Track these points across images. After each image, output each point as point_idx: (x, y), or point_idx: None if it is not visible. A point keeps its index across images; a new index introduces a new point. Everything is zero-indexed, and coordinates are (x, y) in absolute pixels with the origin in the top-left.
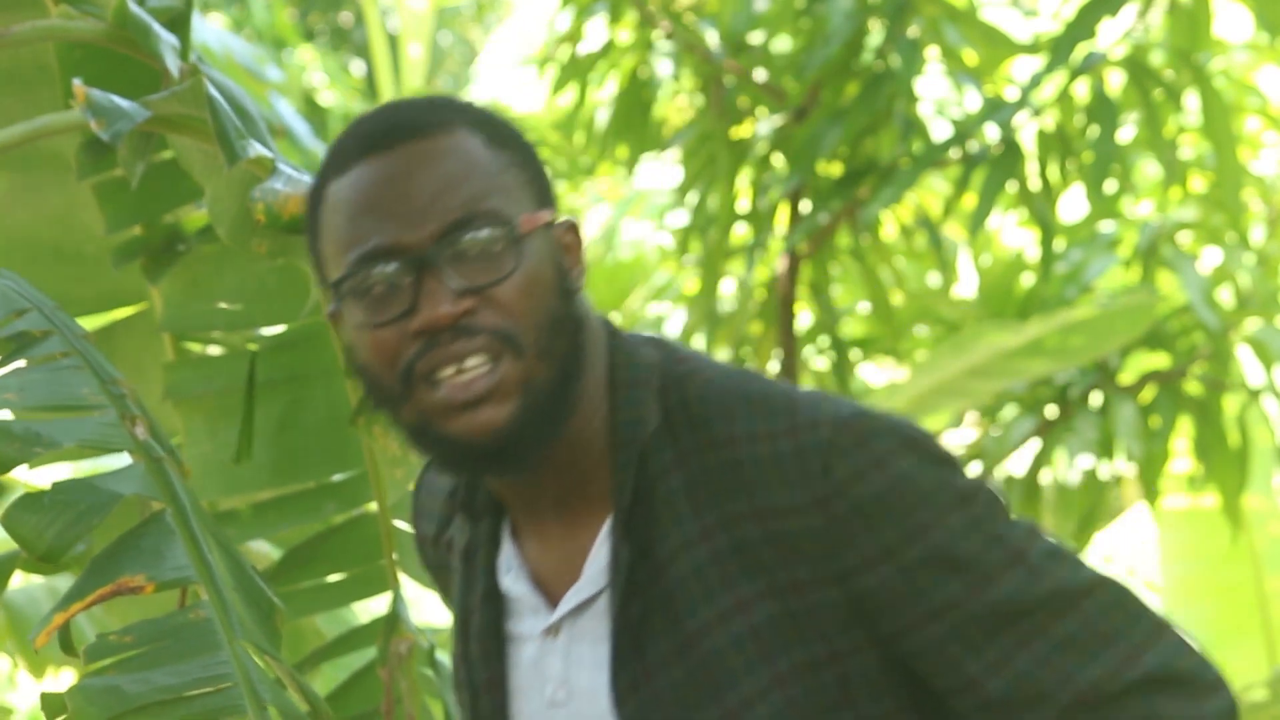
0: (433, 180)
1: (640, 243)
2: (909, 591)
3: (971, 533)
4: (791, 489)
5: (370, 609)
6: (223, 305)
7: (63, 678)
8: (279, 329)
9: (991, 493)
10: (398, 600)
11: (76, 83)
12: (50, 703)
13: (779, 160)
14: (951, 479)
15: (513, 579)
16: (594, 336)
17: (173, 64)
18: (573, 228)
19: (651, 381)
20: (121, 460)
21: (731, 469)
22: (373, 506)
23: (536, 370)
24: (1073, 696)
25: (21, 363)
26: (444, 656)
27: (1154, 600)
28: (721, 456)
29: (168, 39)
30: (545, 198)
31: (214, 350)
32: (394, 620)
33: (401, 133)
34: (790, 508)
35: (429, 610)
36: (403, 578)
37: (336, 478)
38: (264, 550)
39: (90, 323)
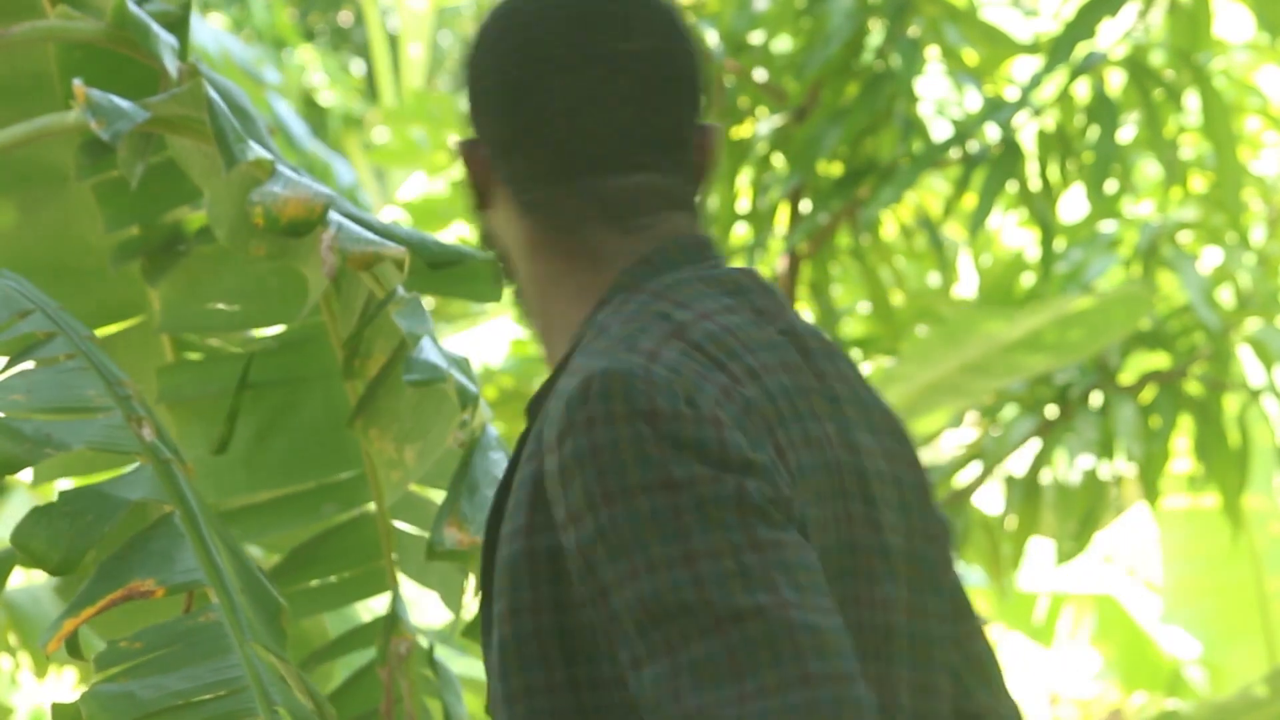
0: None
1: None
2: (584, 562)
3: (655, 520)
4: (550, 426)
5: (372, 609)
6: (221, 306)
7: (65, 678)
8: (278, 330)
9: (720, 493)
10: (397, 600)
11: (77, 83)
12: (62, 712)
13: (779, 160)
14: (667, 464)
15: None
16: (523, 257)
17: (171, 65)
18: (471, 149)
19: (620, 305)
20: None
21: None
22: (372, 507)
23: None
24: (677, 717)
25: (28, 364)
26: (442, 656)
27: (845, 655)
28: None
29: (167, 39)
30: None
31: (214, 344)
32: (393, 620)
33: None
34: (548, 445)
35: (428, 611)
36: (402, 578)
37: (335, 478)
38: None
39: None
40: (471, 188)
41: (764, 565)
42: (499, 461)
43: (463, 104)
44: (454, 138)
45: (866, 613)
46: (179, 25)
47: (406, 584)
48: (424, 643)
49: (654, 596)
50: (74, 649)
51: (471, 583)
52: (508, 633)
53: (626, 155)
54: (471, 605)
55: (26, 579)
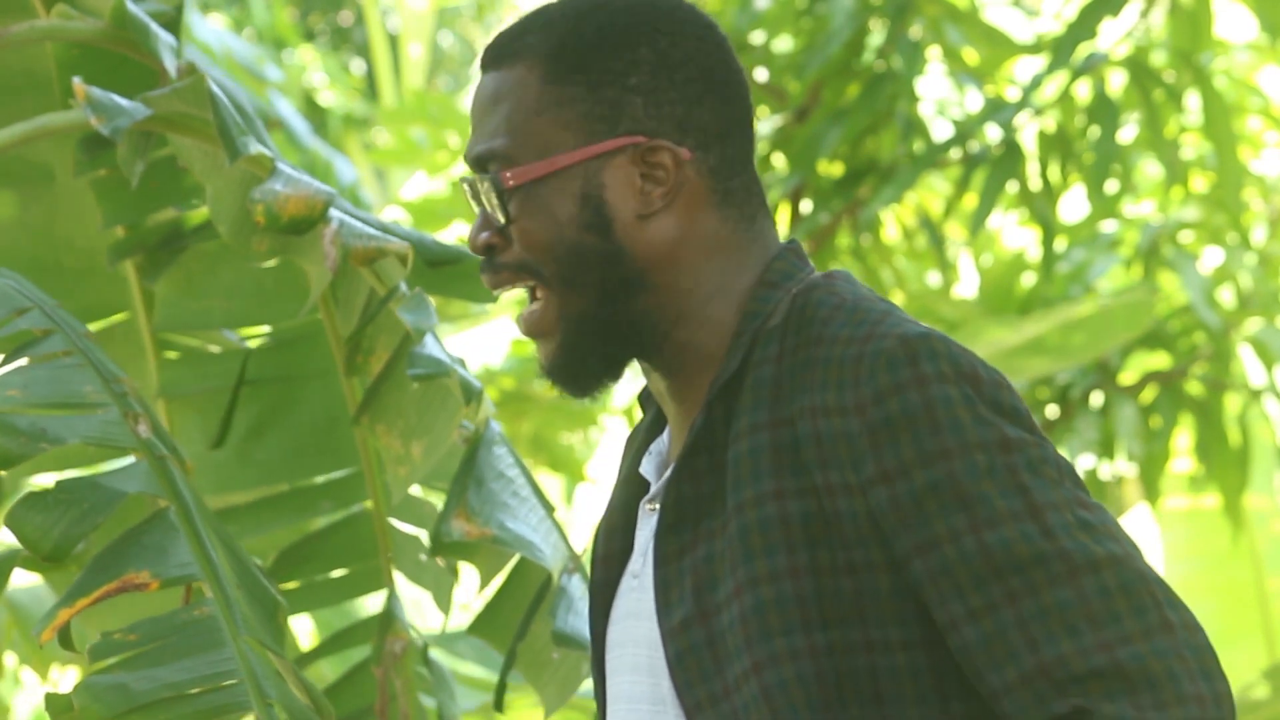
0: (483, 115)
1: None
2: (914, 515)
3: (993, 475)
4: (842, 390)
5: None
6: (219, 303)
7: (68, 676)
8: (275, 327)
9: (1046, 456)
10: (392, 598)
11: (77, 80)
12: (55, 703)
13: (780, 160)
14: (998, 424)
15: (646, 460)
16: (695, 254)
17: (170, 63)
18: (647, 152)
19: (790, 287)
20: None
21: (809, 367)
22: (368, 505)
23: (569, 300)
24: (1034, 666)
25: (24, 360)
26: (437, 655)
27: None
28: (806, 354)
29: (166, 38)
30: (604, 129)
31: (197, 344)
32: (388, 618)
33: (488, 59)
34: (837, 408)
35: (423, 609)
36: (398, 576)
37: (332, 476)
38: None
39: None
40: (602, 206)
41: (1100, 520)
42: (503, 456)
43: (613, 100)
44: (618, 142)
45: None
46: (173, 25)
47: (402, 582)
48: (419, 641)
49: (1002, 546)
50: (66, 641)
51: (475, 580)
52: (769, 596)
53: None
54: (476, 604)
55: (31, 580)
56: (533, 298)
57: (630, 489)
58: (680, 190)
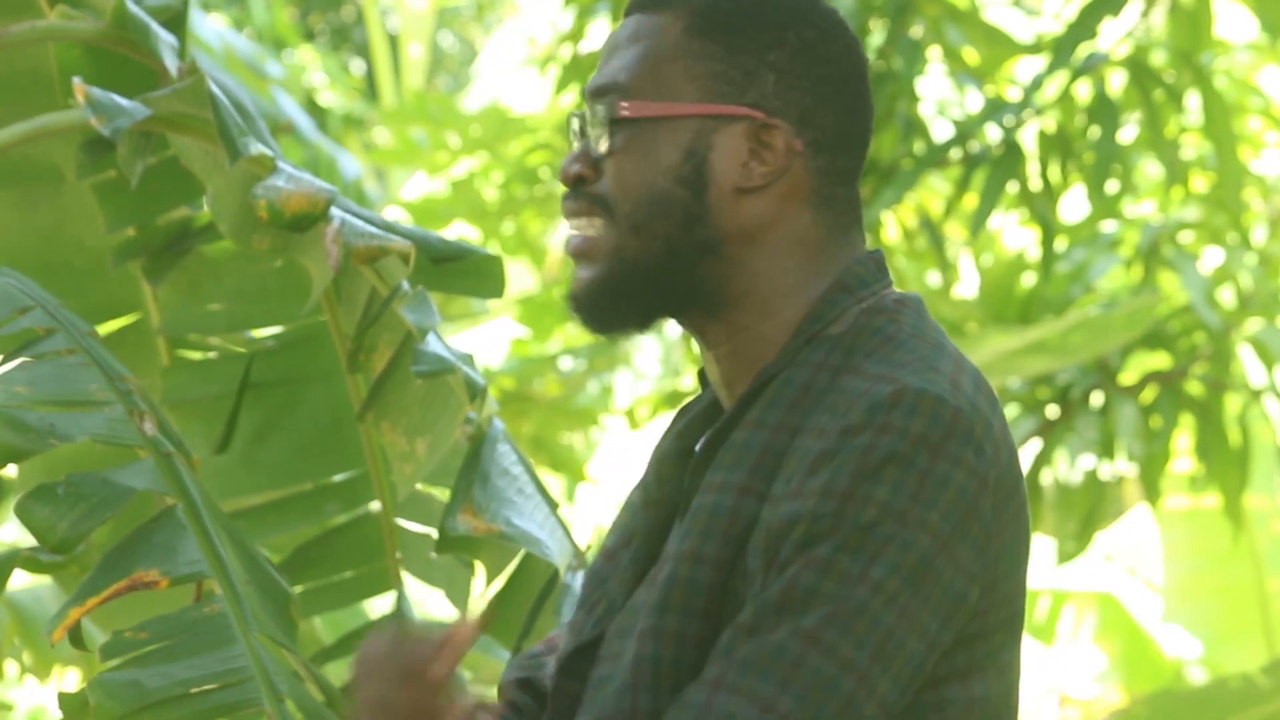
0: (616, 50)
1: None
2: (782, 533)
3: (864, 534)
4: (833, 418)
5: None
6: (222, 307)
7: (68, 677)
8: (278, 330)
9: (929, 560)
10: (402, 599)
11: (77, 80)
12: (69, 701)
13: None
14: (915, 504)
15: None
16: (778, 244)
17: (171, 63)
18: (763, 129)
19: (863, 296)
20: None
21: (835, 391)
22: (374, 507)
23: (628, 243)
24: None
25: (28, 358)
26: None
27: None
28: (839, 380)
29: (166, 38)
30: (730, 93)
31: (212, 352)
32: (398, 619)
33: (636, 3)
34: (816, 428)
35: (434, 608)
36: (406, 576)
37: (337, 478)
38: None
39: None
40: (703, 167)
41: (895, 637)
42: (506, 454)
43: (747, 69)
44: (739, 109)
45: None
46: (177, 23)
47: (411, 582)
48: None
49: (808, 588)
50: (77, 640)
51: (481, 576)
52: (685, 574)
53: None
54: (479, 600)
55: (32, 580)
56: (591, 226)
57: (674, 460)
58: (783, 177)
